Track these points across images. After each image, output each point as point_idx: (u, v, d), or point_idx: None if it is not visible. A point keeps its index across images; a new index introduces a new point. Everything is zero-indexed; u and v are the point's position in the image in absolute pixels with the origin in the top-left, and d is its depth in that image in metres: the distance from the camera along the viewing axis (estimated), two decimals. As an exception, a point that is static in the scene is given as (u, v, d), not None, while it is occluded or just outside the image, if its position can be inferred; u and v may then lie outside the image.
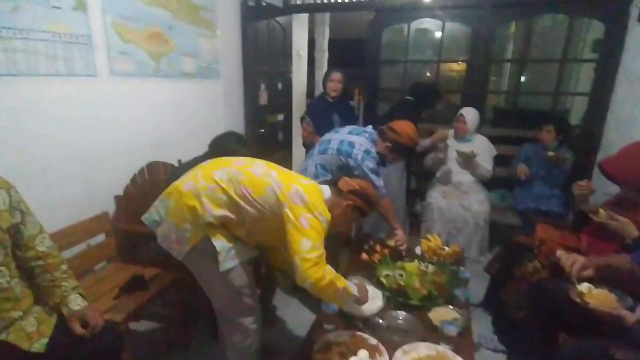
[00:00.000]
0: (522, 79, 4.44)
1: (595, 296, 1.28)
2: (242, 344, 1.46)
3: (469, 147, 2.95)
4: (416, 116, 2.79)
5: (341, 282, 1.32)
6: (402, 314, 1.54)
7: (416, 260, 1.87)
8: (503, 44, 4.52)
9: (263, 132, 3.35)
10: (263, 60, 3.30)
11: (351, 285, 1.40)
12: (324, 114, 2.88)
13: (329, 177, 2.04)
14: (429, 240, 2.08)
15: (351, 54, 4.59)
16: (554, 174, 2.82)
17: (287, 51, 3.73)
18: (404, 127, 2.02)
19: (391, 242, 2.08)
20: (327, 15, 4.87)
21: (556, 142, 2.77)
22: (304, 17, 4.18)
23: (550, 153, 2.70)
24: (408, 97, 2.97)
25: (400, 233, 2.04)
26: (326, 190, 1.45)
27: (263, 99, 3.32)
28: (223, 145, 1.84)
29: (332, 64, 5.14)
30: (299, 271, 1.26)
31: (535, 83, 4.22)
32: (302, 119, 3.00)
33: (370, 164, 1.97)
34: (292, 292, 2.37)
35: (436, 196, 2.95)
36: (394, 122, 2.06)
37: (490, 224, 2.95)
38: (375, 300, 1.56)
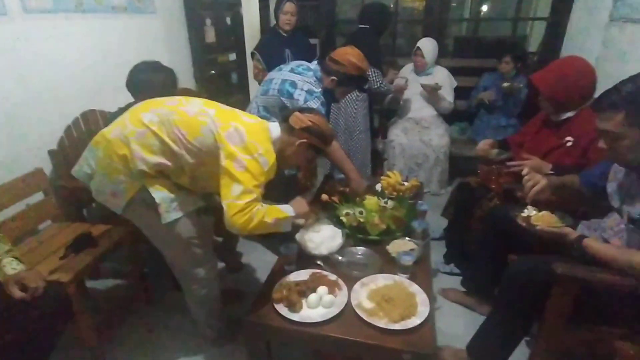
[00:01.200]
0: (484, 7, 4.32)
1: (541, 218, 1.33)
2: (199, 293, 1.44)
3: (431, 80, 2.89)
4: (375, 45, 2.64)
5: (273, 214, 1.27)
6: (361, 249, 1.56)
7: (376, 197, 1.87)
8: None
9: (214, 73, 3.11)
10: (206, -9, 2.96)
11: (285, 208, 1.35)
12: (276, 49, 2.67)
13: (272, 120, 1.93)
14: (389, 176, 2.07)
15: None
16: (510, 104, 2.86)
17: (233, -20, 3.36)
18: (346, 56, 1.84)
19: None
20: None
21: (514, 71, 2.77)
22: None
23: (505, 84, 2.73)
24: (361, 26, 2.80)
25: (355, 180, 1.94)
26: (275, 129, 1.35)
27: (210, 36, 3.04)
28: (135, 79, 1.69)
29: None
30: (225, 216, 1.20)
31: (496, 10, 4.10)
32: (252, 55, 2.79)
33: (313, 105, 1.82)
34: (253, 238, 2.36)
35: (397, 133, 2.94)
36: (335, 52, 1.89)
37: (450, 158, 3.00)
38: (335, 239, 1.56)
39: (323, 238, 1.56)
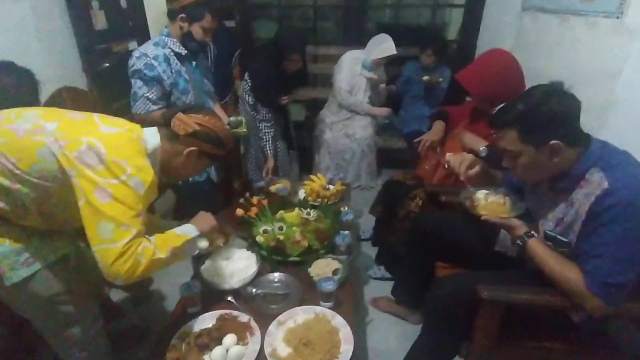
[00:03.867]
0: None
1: (488, 206, 1.24)
2: (79, 356, 1.15)
3: (372, 74, 2.77)
4: (278, 62, 2.17)
5: (168, 244, 1.02)
6: (279, 276, 1.37)
7: (297, 209, 1.69)
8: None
9: (109, 66, 2.66)
10: (90, -33, 2.48)
11: (185, 229, 1.12)
12: None
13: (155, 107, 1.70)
14: (313, 181, 1.90)
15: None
16: (433, 93, 2.84)
17: (127, -45, 2.88)
18: None
19: (273, 189, 1.87)
20: None
21: (436, 62, 2.74)
22: None
23: (425, 78, 2.71)
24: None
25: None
26: (151, 136, 1.06)
27: (100, 22, 2.57)
28: None
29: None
30: (101, 267, 0.92)
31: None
32: None
33: (137, 65, 1.65)
34: None
35: (322, 129, 2.78)
36: None
37: (378, 150, 2.93)
38: (249, 266, 1.36)
39: (234, 268, 1.35)
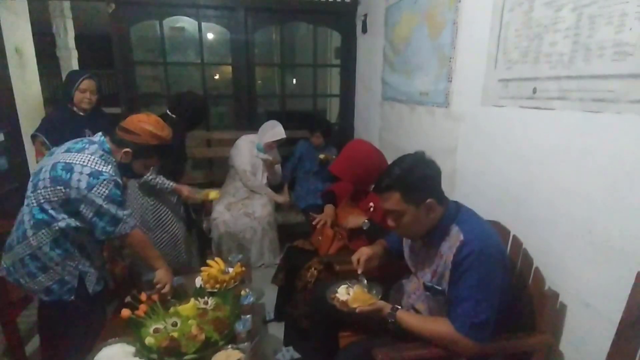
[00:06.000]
0: (294, 81, 4.80)
1: (357, 298, 1.33)
2: None
3: (266, 155, 2.93)
4: (180, 136, 2.30)
5: None
6: (173, 382, 1.24)
7: (192, 300, 1.60)
8: (270, 48, 4.74)
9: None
10: (-56, 58, 2.28)
11: None
12: (70, 130, 2.15)
13: (59, 221, 1.48)
14: (210, 266, 1.84)
15: (106, 52, 3.88)
16: (325, 169, 3.11)
17: (-6, 47, 2.73)
18: (140, 124, 1.54)
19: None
20: (66, 5, 3.95)
21: (324, 142, 3.07)
22: (20, 4, 3.15)
23: (321, 156, 3.02)
24: (169, 114, 2.35)
25: (161, 273, 1.64)
26: None
27: (-46, 114, 2.30)
28: None
29: (84, 65, 4.24)
30: None
31: (300, 86, 4.60)
32: (33, 138, 2.24)
33: (104, 190, 1.43)
34: None
35: (220, 210, 2.76)
36: (126, 121, 1.58)
37: (278, 226, 2.99)
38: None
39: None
